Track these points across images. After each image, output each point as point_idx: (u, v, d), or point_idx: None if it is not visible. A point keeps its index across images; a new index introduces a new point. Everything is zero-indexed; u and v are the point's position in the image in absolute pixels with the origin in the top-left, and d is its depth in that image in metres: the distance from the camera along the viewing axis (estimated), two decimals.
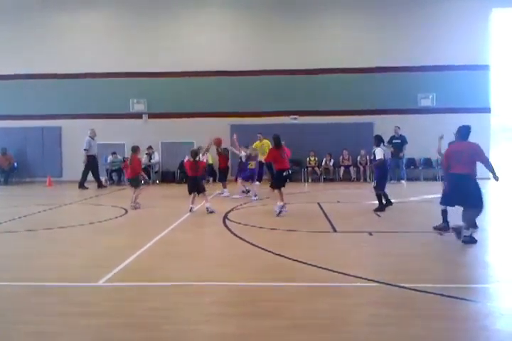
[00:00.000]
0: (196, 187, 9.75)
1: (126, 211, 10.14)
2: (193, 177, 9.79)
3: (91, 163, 15.85)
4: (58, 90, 18.27)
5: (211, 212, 9.51)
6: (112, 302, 4.42)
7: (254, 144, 14.53)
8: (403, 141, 16.60)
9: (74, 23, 18.29)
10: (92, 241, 7.31)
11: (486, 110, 17.61)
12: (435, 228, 7.55)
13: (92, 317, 4.04)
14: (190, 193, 9.83)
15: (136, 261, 5.88)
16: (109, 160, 17.52)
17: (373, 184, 9.72)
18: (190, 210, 9.67)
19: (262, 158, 12.98)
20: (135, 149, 11.05)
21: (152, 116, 18.14)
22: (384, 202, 9.64)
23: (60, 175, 18.30)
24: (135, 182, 10.93)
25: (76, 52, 18.12)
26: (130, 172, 10.99)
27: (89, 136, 15.93)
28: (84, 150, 15.73)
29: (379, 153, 9.52)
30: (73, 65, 18.07)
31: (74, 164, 18.11)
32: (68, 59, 18.10)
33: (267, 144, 15.10)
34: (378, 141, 9.80)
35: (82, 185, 15.67)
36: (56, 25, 18.31)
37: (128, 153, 17.59)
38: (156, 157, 17.57)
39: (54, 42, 18.24)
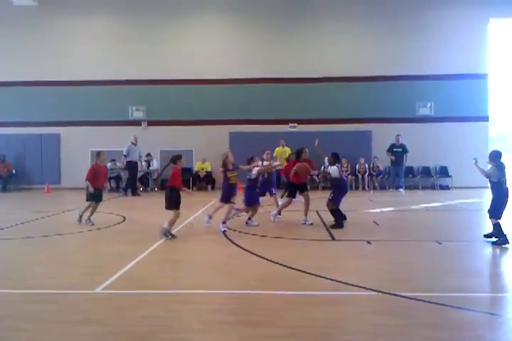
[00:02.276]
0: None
1: (125, 218, 10.12)
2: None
3: (133, 169, 15.79)
4: (57, 97, 18.33)
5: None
6: (109, 310, 4.40)
7: (276, 150, 14.90)
8: (404, 149, 16.66)
9: (74, 29, 18.41)
10: (89, 248, 7.30)
11: (484, 119, 17.72)
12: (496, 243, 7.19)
13: (89, 325, 4.02)
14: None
15: (133, 268, 5.86)
16: (107, 167, 17.47)
17: (328, 198, 9.00)
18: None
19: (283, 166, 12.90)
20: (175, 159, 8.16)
21: (151, 123, 18.19)
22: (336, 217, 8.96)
23: (58, 182, 18.29)
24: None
25: (76, 59, 18.22)
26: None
27: (132, 142, 15.89)
28: (124, 156, 15.70)
29: (334, 172, 9.01)
30: (72, 72, 18.17)
31: (72, 171, 18.16)
32: (68, 66, 18.20)
33: (288, 151, 15.55)
34: (335, 159, 9.14)
35: (134, 192, 15.67)
36: (56, 32, 18.41)
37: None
38: (155, 164, 17.58)
39: (53, 49, 18.33)
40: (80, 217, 9.46)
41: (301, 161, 9.42)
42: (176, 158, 8.30)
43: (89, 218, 9.34)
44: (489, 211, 7.43)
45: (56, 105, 18.35)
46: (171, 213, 7.84)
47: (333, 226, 8.77)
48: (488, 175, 7.37)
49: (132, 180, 16.02)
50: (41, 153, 18.51)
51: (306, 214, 9.35)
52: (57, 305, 4.57)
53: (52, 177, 18.17)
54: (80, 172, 17.96)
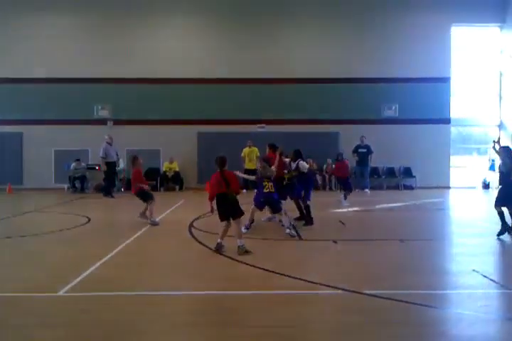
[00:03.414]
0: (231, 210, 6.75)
1: (89, 219, 9.92)
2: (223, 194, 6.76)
3: (111, 169, 15.26)
4: (20, 95, 17.80)
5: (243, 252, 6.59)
6: (72, 313, 4.30)
7: (244, 151, 14.88)
8: (369, 150, 16.96)
9: (38, 27, 17.91)
10: (52, 250, 7.11)
11: (446, 121, 18.24)
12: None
13: (51, 328, 3.92)
14: (223, 220, 6.83)
15: (97, 271, 5.75)
16: (72, 167, 17.12)
17: (298, 195, 9.05)
18: (218, 248, 6.72)
19: (248, 166, 12.86)
20: (132, 161, 9.51)
21: (117, 122, 17.88)
22: (304, 213, 9.12)
23: (20, 183, 17.75)
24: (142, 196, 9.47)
25: (40, 57, 17.74)
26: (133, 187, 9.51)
27: (107, 142, 15.31)
28: (102, 158, 15.08)
29: (304, 166, 9.01)
30: (36, 69, 17.67)
31: (35, 171, 17.70)
32: (31, 64, 17.69)
33: (256, 151, 15.69)
34: (297, 155, 9.19)
35: (108, 193, 14.97)
36: (20, 29, 17.82)
37: (93, 160, 17.43)
38: (121, 164, 17.27)
39: (17, 46, 17.79)
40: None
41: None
42: (133, 160, 8.50)
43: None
44: (496, 200, 7.86)
45: (19, 103, 17.81)
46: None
47: (306, 224, 8.89)
48: (503, 162, 7.84)
49: (112, 180, 15.60)
50: (3, 153, 17.92)
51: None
52: (18, 308, 4.44)
53: (15, 177, 17.61)
54: (44, 172, 17.71)
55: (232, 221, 6.76)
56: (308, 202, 9.08)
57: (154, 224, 9.10)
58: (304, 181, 9.13)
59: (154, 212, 9.41)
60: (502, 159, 7.94)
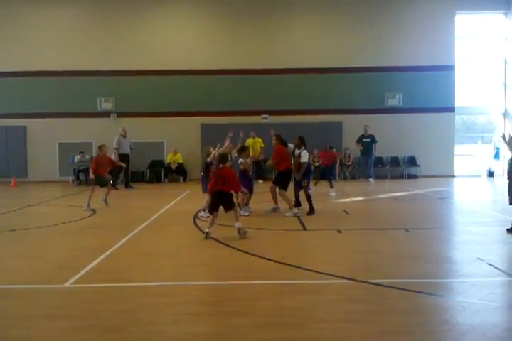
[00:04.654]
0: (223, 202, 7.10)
1: (94, 211, 9.96)
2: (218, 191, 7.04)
3: (125, 161, 15.04)
4: (24, 88, 17.81)
5: (244, 234, 6.99)
6: (79, 305, 4.34)
7: (247, 141, 14.87)
8: (373, 139, 16.91)
9: (41, 19, 17.83)
10: (58, 242, 7.16)
11: (451, 109, 18.11)
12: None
13: (58, 319, 3.96)
14: (211, 212, 7.16)
15: (103, 262, 5.79)
16: (76, 160, 17.17)
17: (300, 185, 9.08)
18: (206, 236, 6.95)
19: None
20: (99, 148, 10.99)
21: (121, 115, 17.87)
22: (294, 201, 9.24)
23: (25, 176, 17.82)
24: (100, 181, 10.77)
25: (43, 49, 17.68)
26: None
27: (120, 135, 15.34)
28: (115, 148, 15.10)
29: (305, 156, 8.99)
30: (39, 62, 17.63)
31: (40, 164, 17.77)
32: (33, 56, 17.65)
33: (259, 142, 15.67)
34: (302, 142, 9.18)
35: (128, 184, 15.35)
36: (22, 21, 17.75)
37: (96, 153, 17.42)
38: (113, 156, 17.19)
39: (20, 39, 17.72)
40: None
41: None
42: (99, 148, 10.75)
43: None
44: (509, 197, 7.49)
45: (22, 97, 17.81)
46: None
47: (310, 213, 9.01)
48: None
49: (126, 172, 15.60)
50: (7, 146, 17.97)
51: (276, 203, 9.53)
52: (25, 300, 4.48)
53: (19, 170, 17.67)
54: (48, 166, 17.77)
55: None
56: (309, 192, 9.10)
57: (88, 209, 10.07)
58: (304, 171, 9.12)
59: (91, 198, 10.27)
60: None
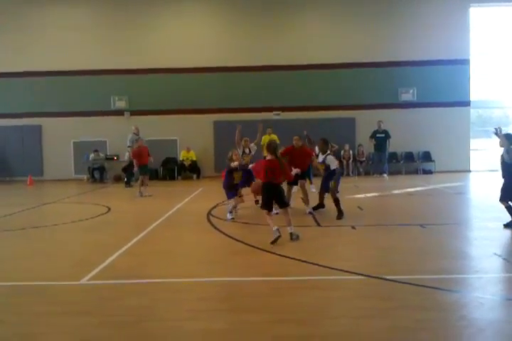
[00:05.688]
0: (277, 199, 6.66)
1: (109, 209, 10.05)
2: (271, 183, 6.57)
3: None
4: (39, 88, 18.00)
5: (296, 238, 6.59)
6: (95, 301, 4.38)
7: (263, 138, 14.58)
8: (387, 135, 16.78)
9: (54, 19, 17.98)
10: (74, 240, 7.24)
11: (466, 104, 17.88)
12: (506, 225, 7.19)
13: (75, 315, 4.00)
14: (268, 210, 6.66)
15: (118, 259, 5.84)
16: (90, 158, 17.34)
17: (330, 188, 8.53)
18: (278, 238, 6.35)
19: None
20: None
21: (134, 113, 17.97)
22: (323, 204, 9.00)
23: (41, 174, 18.05)
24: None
25: (57, 49, 17.83)
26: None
27: (134, 133, 15.28)
28: (128, 147, 15.18)
29: (333, 162, 8.53)
30: (54, 62, 17.78)
31: (55, 163, 17.97)
32: (48, 56, 17.81)
33: (275, 139, 15.43)
34: (325, 145, 8.71)
35: (128, 182, 15.28)
36: (35, 21, 17.94)
37: (110, 151, 17.68)
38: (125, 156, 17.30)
39: (33, 39, 17.91)
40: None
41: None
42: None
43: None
44: (501, 194, 7.25)
45: (37, 96, 18.02)
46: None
47: (339, 217, 8.30)
48: (507, 150, 7.09)
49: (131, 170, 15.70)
50: (23, 145, 18.21)
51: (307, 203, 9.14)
52: (42, 297, 4.54)
53: (35, 169, 17.90)
54: (63, 164, 17.97)
55: (280, 210, 6.98)
56: (337, 195, 8.48)
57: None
58: (332, 174, 8.59)
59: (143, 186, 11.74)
60: (506, 148, 7.11)
